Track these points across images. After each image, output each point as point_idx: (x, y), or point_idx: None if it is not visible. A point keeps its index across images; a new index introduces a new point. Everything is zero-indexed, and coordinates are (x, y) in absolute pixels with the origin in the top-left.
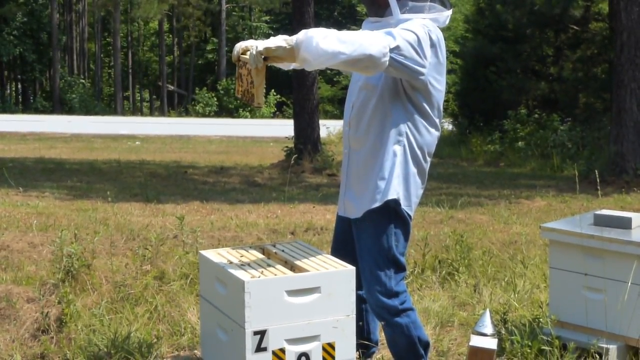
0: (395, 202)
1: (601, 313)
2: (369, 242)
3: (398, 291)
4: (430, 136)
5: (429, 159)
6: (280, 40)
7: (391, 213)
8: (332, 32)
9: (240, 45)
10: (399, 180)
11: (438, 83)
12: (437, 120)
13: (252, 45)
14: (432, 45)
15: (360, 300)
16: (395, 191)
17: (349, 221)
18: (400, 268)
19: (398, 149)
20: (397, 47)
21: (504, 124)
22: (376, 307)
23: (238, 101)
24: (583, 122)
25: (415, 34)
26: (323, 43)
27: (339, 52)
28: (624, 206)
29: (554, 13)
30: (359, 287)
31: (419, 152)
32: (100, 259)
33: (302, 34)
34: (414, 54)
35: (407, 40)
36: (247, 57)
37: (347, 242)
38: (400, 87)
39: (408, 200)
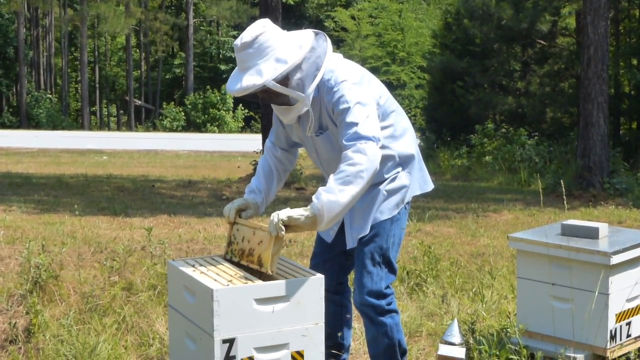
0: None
1: (568, 322)
2: (370, 240)
3: (387, 293)
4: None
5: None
6: (300, 210)
7: (394, 218)
8: (338, 181)
9: (234, 206)
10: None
11: (381, 97)
12: (394, 118)
13: (273, 214)
14: (361, 82)
15: (336, 305)
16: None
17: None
18: (392, 270)
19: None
20: (375, 137)
21: (472, 138)
22: (362, 305)
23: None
24: (550, 137)
25: (360, 103)
26: (342, 197)
27: (358, 192)
28: (590, 219)
29: (521, 28)
30: (336, 291)
31: (398, 159)
32: (68, 270)
33: (317, 202)
34: (375, 119)
35: (368, 116)
36: (244, 221)
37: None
38: None
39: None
